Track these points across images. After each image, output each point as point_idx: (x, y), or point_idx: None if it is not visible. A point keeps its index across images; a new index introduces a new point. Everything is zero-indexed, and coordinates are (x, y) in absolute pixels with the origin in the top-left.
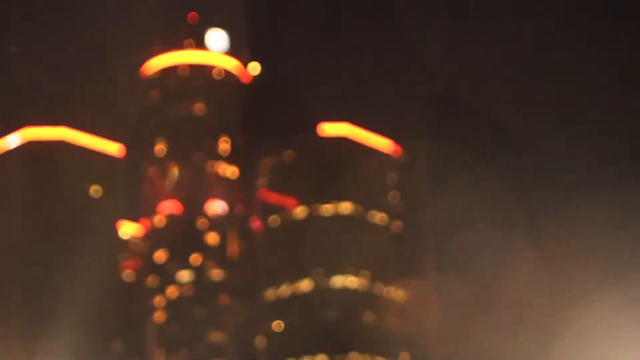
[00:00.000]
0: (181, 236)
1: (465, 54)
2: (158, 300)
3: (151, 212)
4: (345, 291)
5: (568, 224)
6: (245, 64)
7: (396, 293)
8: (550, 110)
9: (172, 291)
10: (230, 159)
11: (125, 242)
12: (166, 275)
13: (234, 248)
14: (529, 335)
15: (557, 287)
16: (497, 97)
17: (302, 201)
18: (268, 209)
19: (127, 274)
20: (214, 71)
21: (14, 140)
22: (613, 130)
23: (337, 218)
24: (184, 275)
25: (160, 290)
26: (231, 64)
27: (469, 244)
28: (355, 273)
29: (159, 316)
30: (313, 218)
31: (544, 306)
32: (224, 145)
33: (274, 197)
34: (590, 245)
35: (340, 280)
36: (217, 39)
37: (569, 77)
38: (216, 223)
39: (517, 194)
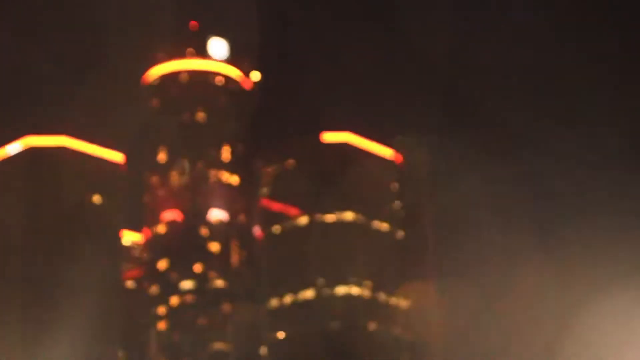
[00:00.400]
0: (183, 244)
1: (471, 57)
2: (160, 308)
3: (153, 220)
4: (348, 300)
5: (576, 228)
6: (246, 73)
7: (399, 301)
8: (559, 112)
9: (174, 299)
10: (232, 168)
11: (128, 250)
12: (169, 284)
13: (236, 256)
14: (536, 340)
15: (564, 294)
16: (503, 101)
17: (304, 209)
18: (270, 218)
19: (130, 282)
20: (215, 79)
21: (15, 148)
22: (624, 131)
23: (340, 227)
24: (186, 284)
25: (163, 298)
26: (233, 72)
27: (474, 250)
28: (358, 282)
29: (161, 324)
30: (315, 227)
31: (551, 312)
32: (226, 153)
33: (276, 206)
34: (599, 246)
35: (343, 289)
36: (218, 47)
37: (580, 78)
38: (218, 231)
39: (523, 198)
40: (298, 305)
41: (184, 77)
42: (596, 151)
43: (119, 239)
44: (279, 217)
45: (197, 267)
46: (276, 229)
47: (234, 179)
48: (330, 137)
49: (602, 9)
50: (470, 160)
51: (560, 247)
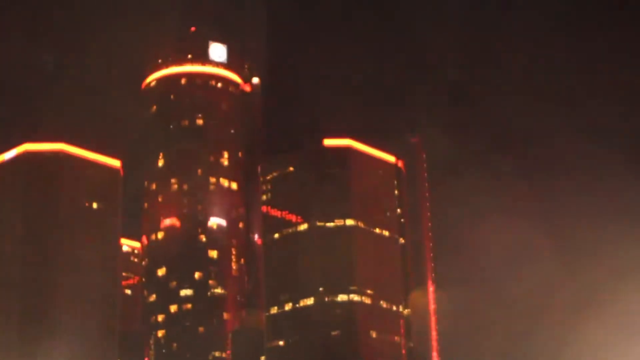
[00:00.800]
0: (182, 252)
1: (472, 61)
2: (159, 316)
3: (152, 227)
4: (348, 307)
5: (583, 233)
6: (246, 78)
7: (400, 308)
8: (563, 112)
9: (173, 307)
10: (231, 174)
11: (126, 257)
12: (167, 291)
13: (235, 264)
14: (537, 346)
15: (567, 298)
16: (505, 105)
17: (304, 216)
18: (270, 224)
19: (128, 290)
20: (214, 84)
21: (12, 153)
22: (630, 127)
23: (340, 233)
24: (185, 291)
25: (162, 306)
26: (232, 77)
27: (475, 256)
28: (359, 290)
29: (160, 332)
30: (315, 233)
31: (553, 315)
32: (225, 159)
33: (276, 212)
34: (605, 252)
35: (343, 297)
36: (218, 52)
37: (583, 71)
38: (217, 238)
39: (526, 202)
40: (298, 312)
41: (183, 82)
42: (601, 149)
43: (117, 245)
44: (279, 224)
45: (196, 275)
46: (276, 235)
47: (233, 186)
48: (331, 142)
49: (603, 10)
50: (473, 162)
51: (563, 252)
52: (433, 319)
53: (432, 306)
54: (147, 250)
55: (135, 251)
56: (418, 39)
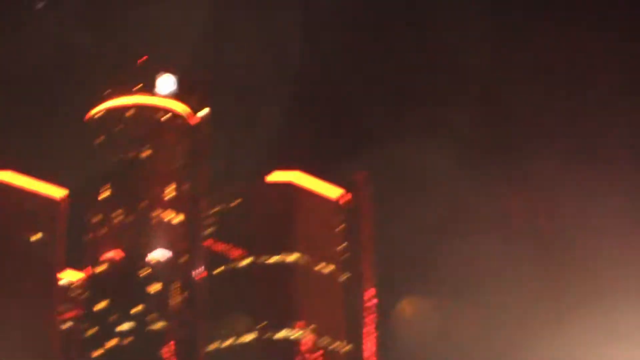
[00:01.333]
0: (123, 285)
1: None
2: (97, 350)
3: (94, 259)
4: (289, 344)
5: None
6: (194, 110)
7: (342, 345)
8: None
9: (112, 342)
10: (176, 206)
11: (66, 289)
12: (107, 325)
13: (177, 298)
14: None
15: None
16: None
17: (249, 251)
18: (214, 258)
19: (67, 323)
20: (162, 115)
21: None
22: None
23: (282, 269)
24: (125, 325)
25: (100, 340)
26: (180, 108)
27: (423, 291)
28: (301, 325)
29: None
30: (258, 268)
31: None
32: (171, 192)
33: (220, 246)
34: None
35: (284, 333)
36: (167, 83)
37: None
38: (159, 272)
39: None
40: (238, 348)
41: (130, 113)
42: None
43: (56, 278)
44: (223, 258)
45: (136, 309)
46: (219, 269)
47: (177, 219)
48: (276, 177)
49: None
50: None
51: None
52: (373, 355)
53: (372, 341)
54: (87, 283)
55: (76, 284)
56: (367, 69)
